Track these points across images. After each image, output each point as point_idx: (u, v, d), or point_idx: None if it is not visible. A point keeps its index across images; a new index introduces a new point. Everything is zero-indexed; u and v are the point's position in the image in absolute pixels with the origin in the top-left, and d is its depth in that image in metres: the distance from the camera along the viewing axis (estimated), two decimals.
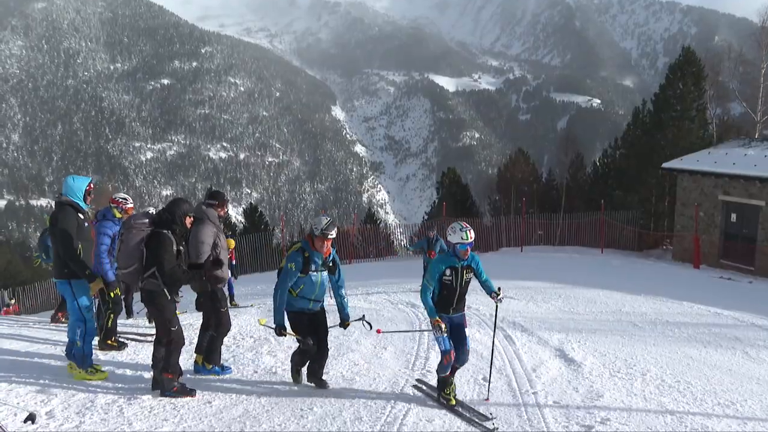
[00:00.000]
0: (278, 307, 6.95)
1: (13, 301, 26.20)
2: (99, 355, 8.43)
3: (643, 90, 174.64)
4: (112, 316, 8.94)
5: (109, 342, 8.95)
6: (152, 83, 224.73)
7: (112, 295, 8.82)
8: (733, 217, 25.41)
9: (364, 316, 7.90)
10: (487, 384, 7.61)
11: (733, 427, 6.45)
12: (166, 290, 6.64)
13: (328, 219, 6.88)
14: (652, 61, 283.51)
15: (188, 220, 6.88)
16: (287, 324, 7.05)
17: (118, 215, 9.07)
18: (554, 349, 9.54)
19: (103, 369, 7.59)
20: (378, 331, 8.54)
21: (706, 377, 8.25)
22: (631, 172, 34.54)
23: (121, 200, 9.32)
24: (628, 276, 20.25)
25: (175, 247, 6.66)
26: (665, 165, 28.33)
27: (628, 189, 34.12)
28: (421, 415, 6.45)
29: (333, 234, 6.84)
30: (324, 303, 7.42)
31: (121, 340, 9.24)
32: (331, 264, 7.17)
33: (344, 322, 7.31)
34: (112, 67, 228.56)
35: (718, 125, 36.17)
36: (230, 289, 13.60)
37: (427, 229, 17.25)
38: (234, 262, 14.08)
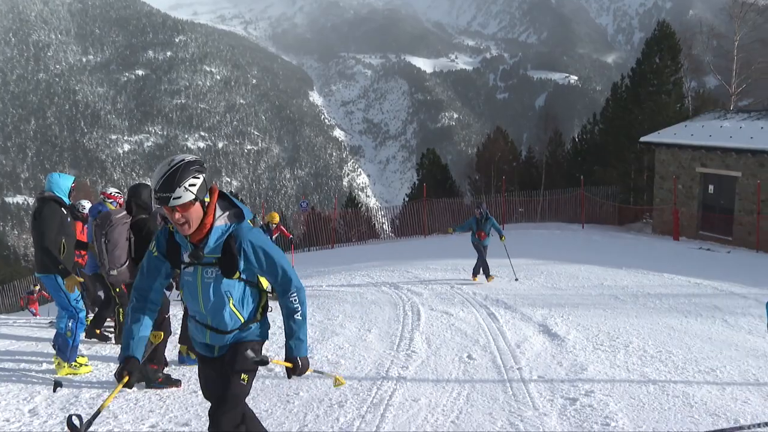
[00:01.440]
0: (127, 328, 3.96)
1: (37, 288, 24.58)
2: (82, 349, 8.36)
3: (620, 65, 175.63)
4: (121, 311, 8.93)
5: (98, 332, 8.91)
6: (126, 74, 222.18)
7: (117, 290, 8.82)
8: (711, 188, 25.65)
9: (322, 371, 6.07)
10: (472, 362, 7.66)
11: (713, 393, 6.52)
12: None
13: (164, 167, 3.49)
14: (628, 37, 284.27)
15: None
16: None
17: (114, 210, 9.03)
18: (538, 324, 9.59)
19: (87, 363, 7.54)
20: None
21: (687, 346, 8.35)
22: (609, 147, 34.76)
23: (116, 194, 9.24)
24: (609, 250, 20.40)
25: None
26: (643, 139, 28.52)
27: (607, 164, 34.33)
28: (407, 395, 6.46)
29: (180, 198, 3.47)
30: (234, 338, 3.99)
31: (106, 333, 9.19)
32: (222, 257, 3.72)
33: (289, 363, 4.08)
34: (84, 60, 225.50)
35: (694, 98, 36.46)
36: None
37: (476, 206, 15.61)
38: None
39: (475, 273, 13.90)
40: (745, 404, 6.19)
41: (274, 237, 12.96)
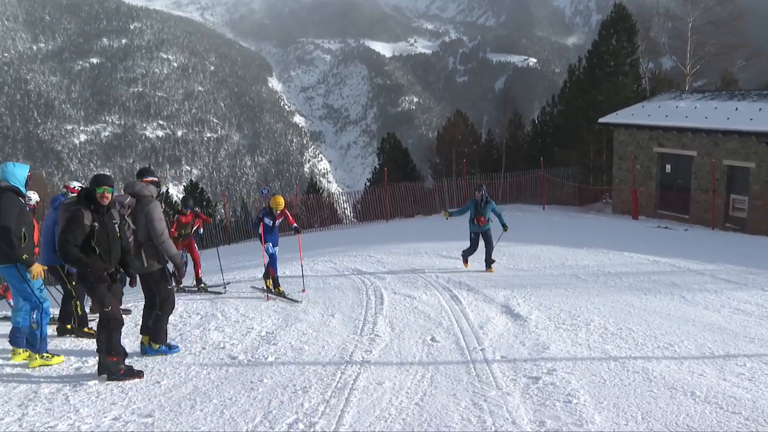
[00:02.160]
0: None
1: None
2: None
3: (578, 47, 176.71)
4: (78, 303, 8.78)
5: (86, 330, 8.76)
6: (80, 63, 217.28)
7: (73, 282, 8.67)
8: (668, 168, 26.08)
9: None
10: (435, 344, 7.72)
11: (672, 368, 6.67)
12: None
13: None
14: (585, 19, 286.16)
15: (98, 194, 6.53)
16: None
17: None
18: (500, 305, 9.68)
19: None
20: None
21: (647, 323, 8.51)
22: (569, 128, 35.08)
23: (78, 188, 9.06)
24: (570, 230, 20.63)
25: (88, 222, 6.44)
26: (601, 120, 28.85)
27: (566, 145, 34.66)
28: (371, 379, 6.47)
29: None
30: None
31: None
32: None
33: None
34: (35, 47, 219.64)
35: (650, 79, 36.93)
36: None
37: (475, 188, 13.59)
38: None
39: (465, 258, 13.37)
40: (701, 377, 6.34)
41: (278, 222, 11.47)
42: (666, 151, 26.09)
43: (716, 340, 7.69)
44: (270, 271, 11.51)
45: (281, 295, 11.05)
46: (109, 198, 6.63)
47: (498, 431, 5.13)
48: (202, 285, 12.14)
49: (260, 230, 11.47)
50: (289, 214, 11.91)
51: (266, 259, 11.46)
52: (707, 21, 35.15)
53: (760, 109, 23.13)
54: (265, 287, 11.38)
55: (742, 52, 36.41)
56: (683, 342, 7.63)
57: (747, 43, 36.68)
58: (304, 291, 11.38)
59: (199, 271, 12.36)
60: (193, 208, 12.58)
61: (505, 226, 13.09)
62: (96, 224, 6.52)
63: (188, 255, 12.62)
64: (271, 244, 11.48)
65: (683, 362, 6.85)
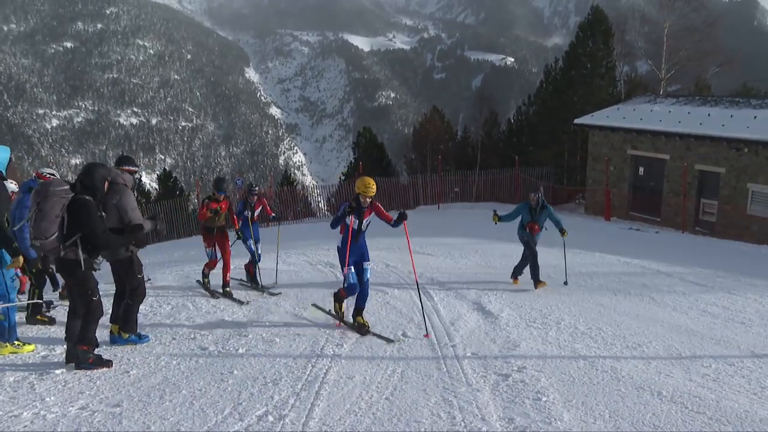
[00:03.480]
0: None
1: None
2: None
3: (556, 48, 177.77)
4: (36, 291, 8.67)
5: (39, 317, 8.64)
6: (54, 46, 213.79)
7: (34, 270, 8.56)
8: (641, 170, 26.35)
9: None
10: (407, 339, 7.74)
11: (639, 367, 6.77)
12: (83, 260, 6.42)
13: None
14: (563, 20, 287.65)
15: (106, 184, 6.69)
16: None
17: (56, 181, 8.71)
18: (472, 302, 9.73)
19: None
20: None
21: (616, 323, 8.61)
22: (544, 128, 35.27)
23: (49, 175, 8.93)
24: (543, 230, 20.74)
25: (99, 213, 6.47)
26: (577, 121, 29.06)
27: (541, 145, 34.87)
28: (341, 373, 6.48)
29: None
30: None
31: (50, 315, 8.92)
32: None
33: None
34: (6, 29, 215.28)
35: (626, 82, 37.26)
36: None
37: (532, 191, 11.53)
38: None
39: (517, 272, 11.52)
40: (668, 377, 6.43)
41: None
42: (639, 154, 26.35)
43: (683, 341, 7.81)
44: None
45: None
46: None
47: (467, 427, 5.16)
48: (228, 290, 10.64)
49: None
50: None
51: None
52: (682, 27, 35.54)
53: (731, 116, 23.45)
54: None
55: (715, 59, 36.88)
56: (651, 342, 7.74)
57: (720, 49, 37.18)
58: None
59: (228, 275, 10.76)
60: (226, 192, 10.98)
61: (563, 231, 11.30)
62: (103, 214, 6.59)
63: (219, 254, 10.86)
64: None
65: (651, 362, 6.95)
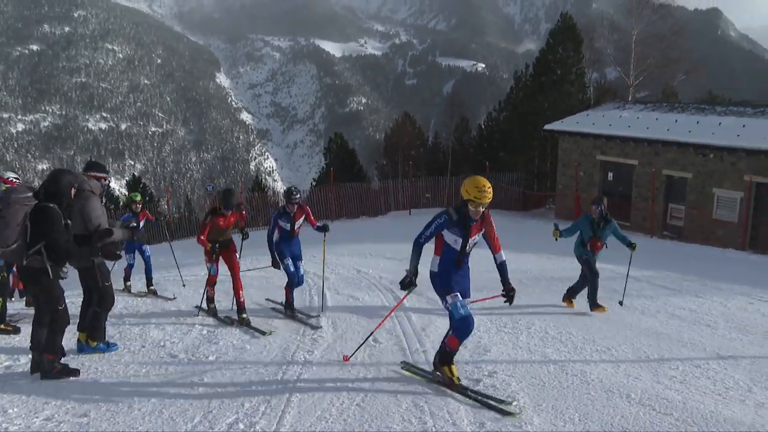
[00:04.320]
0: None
1: None
2: None
3: (526, 54, 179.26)
4: (1, 300, 8.52)
5: (3, 327, 8.49)
6: (19, 49, 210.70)
7: (1, 278, 8.43)
8: (610, 175, 26.63)
9: None
10: (378, 345, 7.72)
11: (609, 371, 6.84)
12: (50, 268, 6.31)
13: None
14: (534, 27, 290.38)
15: (73, 191, 6.55)
16: None
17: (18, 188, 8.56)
18: (442, 308, 9.72)
19: None
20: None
21: (586, 327, 8.69)
22: (514, 134, 35.53)
23: (14, 179, 8.76)
24: (513, 235, 20.83)
25: (63, 221, 6.34)
26: (547, 127, 29.30)
27: (512, 151, 35.13)
28: (312, 379, 6.46)
29: None
30: None
31: (14, 324, 8.75)
32: None
33: None
34: None
35: (595, 89, 37.72)
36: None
37: (593, 202, 10.30)
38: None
39: (571, 294, 10.27)
40: (636, 380, 6.51)
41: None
42: (608, 159, 26.64)
43: (651, 345, 7.91)
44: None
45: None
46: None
47: None
48: (244, 316, 8.97)
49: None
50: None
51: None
52: (650, 34, 36.05)
53: (697, 122, 23.83)
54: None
55: (681, 66, 37.46)
56: (620, 346, 7.82)
57: (686, 57, 37.78)
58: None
59: (241, 294, 9.12)
60: (238, 206, 9.28)
61: (633, 245, 10.13)
62: (69, 222, 6.47)
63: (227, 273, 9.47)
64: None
65: (620, 366, 7.03)
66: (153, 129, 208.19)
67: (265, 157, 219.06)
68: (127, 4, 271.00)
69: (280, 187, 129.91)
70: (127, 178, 57.00)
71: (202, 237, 8.92)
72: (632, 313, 9.62)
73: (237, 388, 6.22)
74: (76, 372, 6.63)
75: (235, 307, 9.21)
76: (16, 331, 8.50)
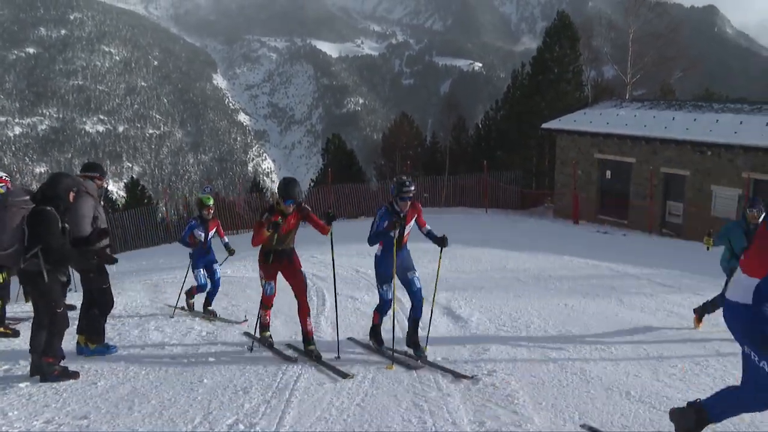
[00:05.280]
0: None
1: None
2: None
3: (523, 53, 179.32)
4: (0, 302, 8.50)
5: (2, 329, 8.47)
6: (15, 52, 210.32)
7: (1, 280, 8.40)
8: (608, 173, 26.64)
9: None
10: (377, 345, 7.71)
11: (608, 369, 6.83)
12: (45, 271, 6.29)
13: None
14: (531, 26, 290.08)
15: (71, 195, 6.50)
16: None
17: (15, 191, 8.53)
18: (442, 307, 9.74)
19: None
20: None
21: (585, 325, 8.68)
22: (512, 133, 35.55)
23: (5, 178, 8.74)
24: (512, 234, 20.90)
25: (60, 225, 6.31)
26: (544, 125, 29.31)
27: (509, 150, 35.15)
28: (312, 380, 6.45)
29: None
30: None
31: (13, 327, 8.73)
32: None
33: None
34: None
35: (592, 87, 37.74)
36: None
37: (749, 205, 8.16)
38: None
39: (703, 311, 8.75)
40: (636, 378, 6.50)
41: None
42: (606, 158, 26.65)
43: (651, 342, 7.91)
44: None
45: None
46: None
47: None
48: (312, 348, 7.26)
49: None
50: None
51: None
52: (647, 32, 36.10)
53: (695, 119, 23.86)
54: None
55: (678, 64, 37.54)
56: (620, 344, 7.82)
57: (683, 55, 37.85)
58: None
59: (309, 321, 7.39)
60: (297, 199, 7.10)
61: None
62: (66, 225, 6.42)
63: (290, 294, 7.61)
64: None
65: (619, 363, 7.02)
66: (150, 131, 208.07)
67: (263, 158, 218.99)
68: (123, 6, 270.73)
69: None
70: (125, 181, 57.00)
71: (261, 230, 6.98)
72: (632, 311, 9.61)
73: (237, 389, 6.20)
74: (75, 375, 6.60)
75: (298, 337, 7.58)
76: (16, 334, 8.47)
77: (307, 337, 7.31)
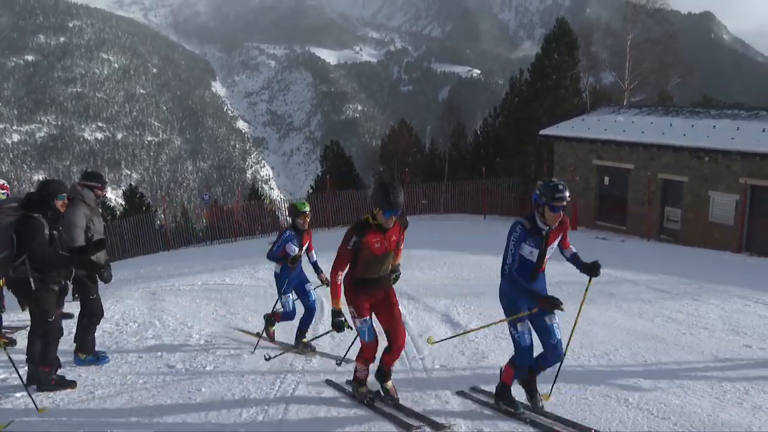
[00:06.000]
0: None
1: None
2: None
3: (522, 60, 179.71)
4: None
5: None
6: (14, 59, 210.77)
7: None
8: (606, 180, 26.66)
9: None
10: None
11: (606, 375, 6.83)
12: (33, 279, 6.25)
13: None
14: (529, 32, 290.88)
15: (61, 203, 6.44)
16: None
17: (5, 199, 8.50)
18: (440, 314, 9.74)
19: None
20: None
21: (584, 332, 8.65)
22: (510, 139, 35.58)
23: (2, 183, 8.73)
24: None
25: (47, 231, 6.27)
26: (542, 132, 29.33)
27: (508, 156, 35.18)
28: (310, 388, 6.45)
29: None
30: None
31: (10, 336, 8.71)
32: None
33: None
34: None
35: (590, 93, 37.75)
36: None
37: None
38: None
39: None
40: (634, 384, 6.49)
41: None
42: (604, 164, 26.67)
43: (649, 349, 7.89)
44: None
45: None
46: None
47: None
48: (389, 386, 6.05)
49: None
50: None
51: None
52: (645, 39, 36.17)
53: (692, 125, 23.88)
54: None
55: (676, 70, 37.61)
56: (618, 350, 7.81)
57: (681, 61, 37.92)
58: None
59: (393, 365, 6.24)
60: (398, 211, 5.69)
61: None
62: (55, 232, 6.37)
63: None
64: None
65: (617, 370, 7.02)
66: (149, 138, 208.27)
67: (262, 165, 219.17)
68: (122, 14, 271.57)
69: (276, 195, 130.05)
70: (123, 188, 57.02)
71: (339, 273, 5.64)
72: (630, 318, 9.60)
73: (234, 397, 6.20)
74: (72, 384, 6.59)
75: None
76: (12, 343, 8.45)
77: (386, 372, 6.06)
